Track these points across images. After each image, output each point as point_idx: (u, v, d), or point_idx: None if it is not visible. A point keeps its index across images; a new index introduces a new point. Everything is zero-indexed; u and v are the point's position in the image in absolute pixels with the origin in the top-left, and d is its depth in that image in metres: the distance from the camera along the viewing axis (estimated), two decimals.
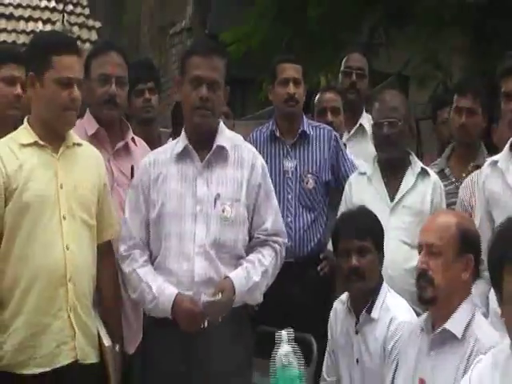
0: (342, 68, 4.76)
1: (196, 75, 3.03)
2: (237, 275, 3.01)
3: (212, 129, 3.09)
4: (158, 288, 2.99)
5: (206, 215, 3.02)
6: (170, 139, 3.94)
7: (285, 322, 3.46)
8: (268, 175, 3.20)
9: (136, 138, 3.55)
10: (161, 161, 3.12)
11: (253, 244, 3.12)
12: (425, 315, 2.91)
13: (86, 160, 3.03)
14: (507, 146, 3.41)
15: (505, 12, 6.20)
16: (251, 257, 3.08)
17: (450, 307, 2.77)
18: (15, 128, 3.05)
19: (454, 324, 2.74)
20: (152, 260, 3.09)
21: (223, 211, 3.03)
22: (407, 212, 3.63)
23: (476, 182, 3.60)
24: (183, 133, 3.14)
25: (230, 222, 3.03)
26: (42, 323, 2.83)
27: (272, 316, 3.32)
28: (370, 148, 4.17)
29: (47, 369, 2.85)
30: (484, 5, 6.24)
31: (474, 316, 2.77)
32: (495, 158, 3.43)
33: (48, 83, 2.87)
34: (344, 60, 4.76)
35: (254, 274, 3.04)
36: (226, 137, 3.13)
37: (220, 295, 2.93)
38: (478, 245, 2.85)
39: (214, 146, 3.07)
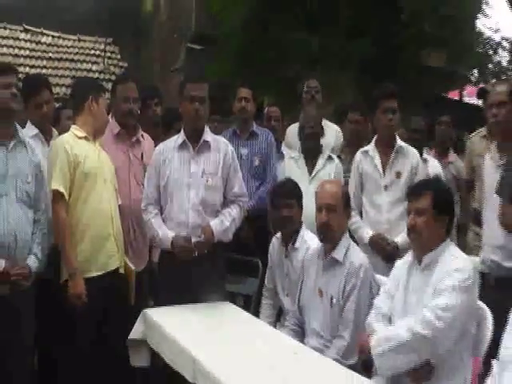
0: (304, 89, 4.48)
1: (191, 95, 3.02)
2: (214, 223, 3.03)
3: (202, 129, 3.12)
4: (163, 233, 3.02)
5: (196, 184, 3.03)
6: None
7: (244, 250, 3.58)
8: (236, 157, 3.21)
9: (144, 134, 3.55)
10: (167, 148, 3.13)
11: (226, 202, 3.14)
12: (319, 245, 2.88)
13: (101, 150, 3.15)
14: (373, 141, 3.48)
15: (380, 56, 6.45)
16: (224, 211, 3.10)
17: (337, 241, 2.78)
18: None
19: (338, 252, 2.75)
20: (162, 212, 3.10)
21: (207, 181, 3.04)
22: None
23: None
24: (182, 132, 3.13)
25: (211, 188, 3.05)
26: (99, 244, 2.93)
27: (236, 247, 3.36)
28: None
29: (103, 272, 2.93)
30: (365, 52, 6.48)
31: (349, 244, 2.80)
32: (365, 148, 3.51)
33: (101, 106, 3.06)
34: (305, 84, 4.51)
35: (226, 221, 3.05)
36: (210, 135, 3.15)
37: (203, 236, 2.97)
38: (350, 200, 2.93)
39: (202, 141, 3.09)
